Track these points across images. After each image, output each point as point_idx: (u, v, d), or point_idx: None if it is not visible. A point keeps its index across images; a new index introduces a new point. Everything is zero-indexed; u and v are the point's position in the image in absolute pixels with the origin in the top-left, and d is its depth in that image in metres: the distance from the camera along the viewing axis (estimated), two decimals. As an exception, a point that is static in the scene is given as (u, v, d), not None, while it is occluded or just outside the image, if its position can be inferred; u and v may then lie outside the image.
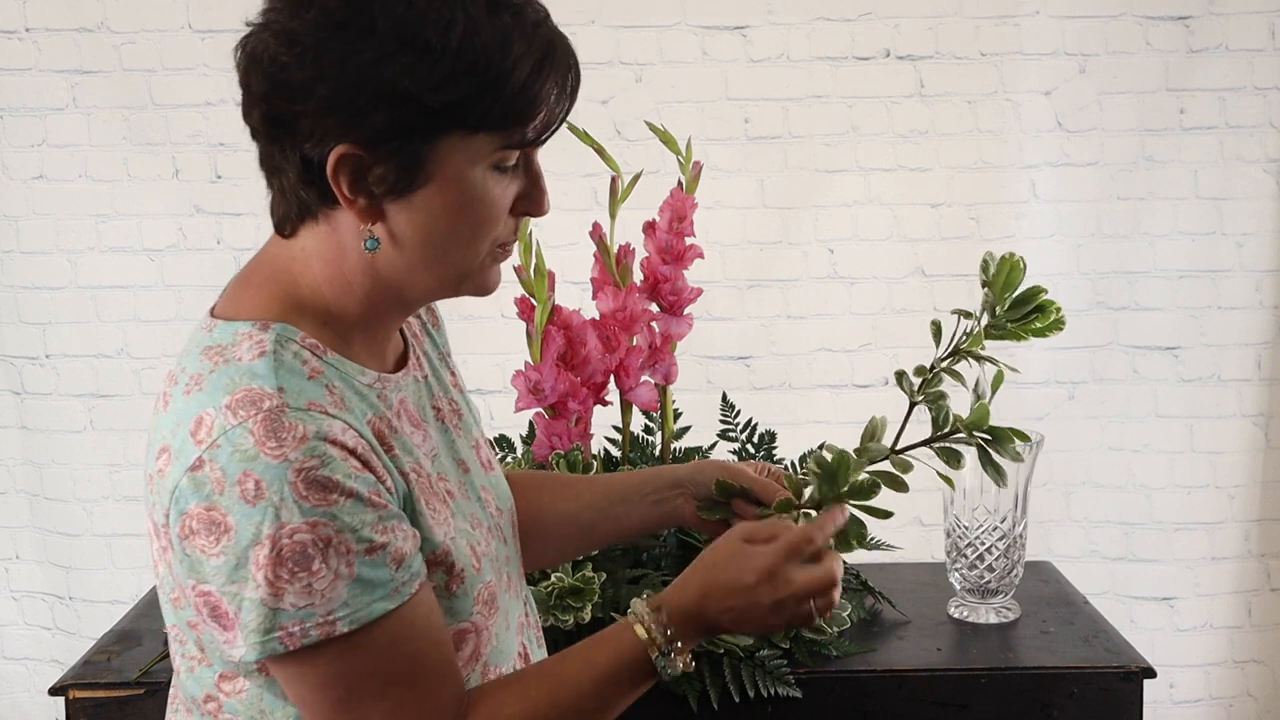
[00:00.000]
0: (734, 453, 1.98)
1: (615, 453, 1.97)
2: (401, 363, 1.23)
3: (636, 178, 1.90)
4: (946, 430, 1.28)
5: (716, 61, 2.97)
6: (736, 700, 1.66)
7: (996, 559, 1.85)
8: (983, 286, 1.30)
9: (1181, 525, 3.10)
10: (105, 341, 3.09)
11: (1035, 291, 1.31)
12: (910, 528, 3.07)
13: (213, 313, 1.15)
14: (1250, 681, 3.17)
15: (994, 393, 1.30)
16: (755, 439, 1.98)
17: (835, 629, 1.74)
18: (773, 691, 1.67)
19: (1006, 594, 1.88)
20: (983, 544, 1.85)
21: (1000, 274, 1.28)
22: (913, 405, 1.31)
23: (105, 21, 2.98)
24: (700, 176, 1.91)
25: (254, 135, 1.10)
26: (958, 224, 3.05)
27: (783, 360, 3.08)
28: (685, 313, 1.91)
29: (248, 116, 1.09)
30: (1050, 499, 3.07)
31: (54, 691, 1.72)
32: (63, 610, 3.19)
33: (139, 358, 3.09)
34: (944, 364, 1.33)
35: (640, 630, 1.14)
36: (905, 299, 3.07)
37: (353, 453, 1.04)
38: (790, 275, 3.07)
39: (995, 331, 1.31)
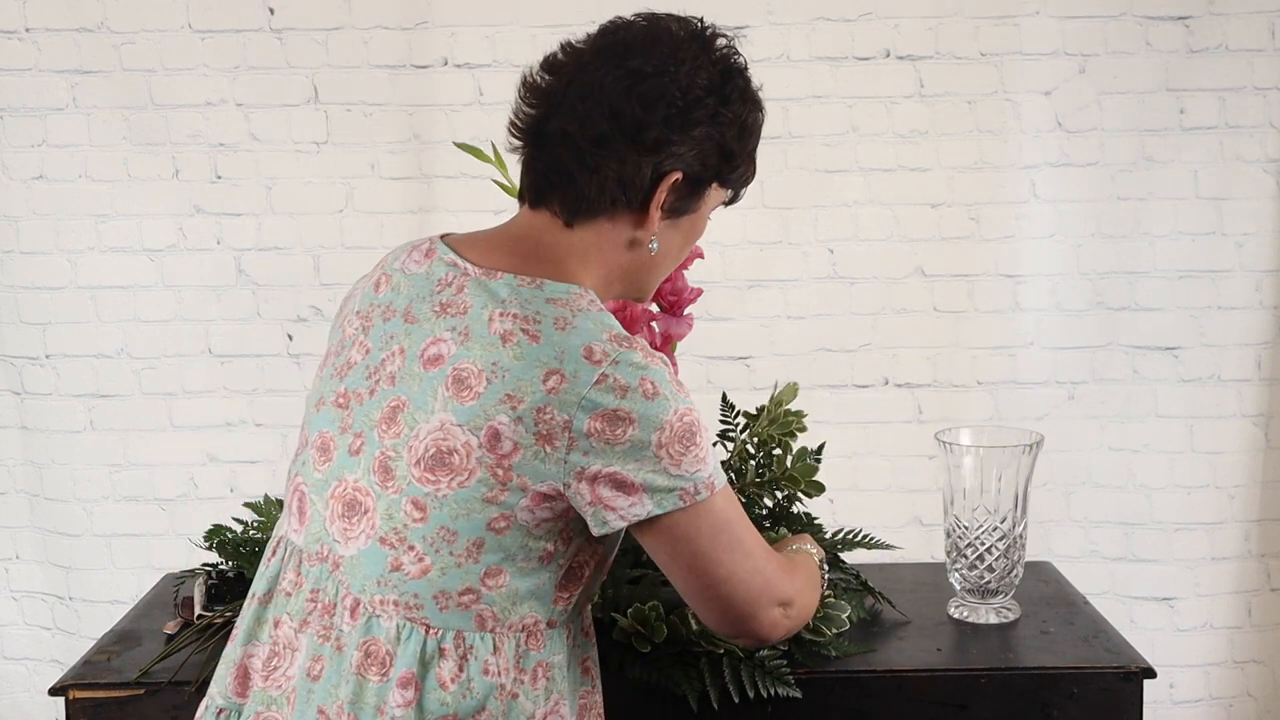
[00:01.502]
0: (734, 453, 1.98)
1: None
2: None
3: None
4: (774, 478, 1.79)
5: (716, 61, 2.97)
6: (736, 700, 1.66)
7: (996, 559, 1.85)
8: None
9: (1181, 525, 3.10)
10: (105, 341, 3.09)
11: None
12: (910, 528, 3.07)
13: (491, 268, 1.38)
14: (1250, 681, 3.17)
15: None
16: (755, 439, 1.98)
17: (835, 629, 1.74)
18: (773, 691, 1.67)
19: (1006, 594, 1.88)
20: (983, 544, 1.85)
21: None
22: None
23: (105, 21, 2.98)
24: (700, 176, 1.90)
25: (602, 142, 1.36)
26: (958, 224, 3.05)
27: (783, 360, 3.08)
28: (685, 313, 1.91)
29: (626, 132, 1.37)
30: (1050, 499, 3.07)
31: (54, 691, 1.72)
32: (63, 610, 3.19)
33: (139, 358, 3.09)
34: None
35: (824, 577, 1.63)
36: (905, 299, 3.07)
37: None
38: (790, 275, 3.07)
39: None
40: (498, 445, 1.29)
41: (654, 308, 1.91)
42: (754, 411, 1.90)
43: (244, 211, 3.04)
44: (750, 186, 1.53)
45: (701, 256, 1.91)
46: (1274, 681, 3.18)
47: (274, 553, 1.46)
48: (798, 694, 1.67)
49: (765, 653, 1.70)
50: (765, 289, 3.07)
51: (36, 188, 3.04)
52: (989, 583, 1.86)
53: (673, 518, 1.33)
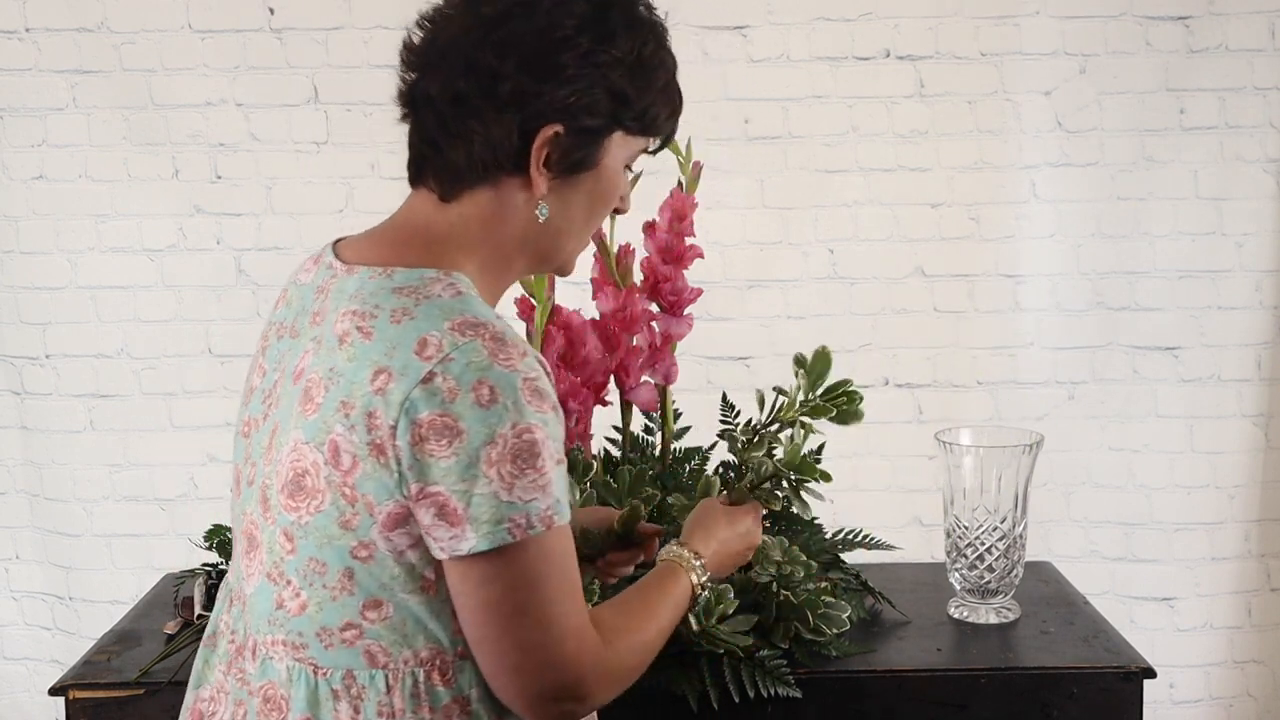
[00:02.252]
0: (734, 453, 1.98)
1: (615, 453, 1.97)
2: None
3: (636, 178, 1.89)
4: (769, 477, 1.57)
5: (716, 61, 2.97)
6: (736, 700, 1.66)
7: (996, 559, 1.85)
8: (797, 373, 1.59)
9: (1181, 525, 3.10)
10: (105, 341, 3.09)
11: (843, 383, 1.60)
12: (910, 528, 3.07)
13: (354, 263, 1.26)
14: (1250, 681, 3.17)
15: (804, 441, 1.58)
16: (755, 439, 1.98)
17: (835, 629, 1.74)
18: (773, 691, 1.67)
19: (1006, 594, 1.88)
20: (983, 544, 1.85)
21: (815, 364, 1.57)
22: (743, 462, 1.60)
23: (105, 21, 2.98)
24: (700, 176, 1.91)
25: (460, 101, 1.21)
26: (958, 224, 3.05)
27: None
28: (685, 313, 1.91)
29: (481, 86, 1.21)
30: (1050, 499, 3.07)
31: (54, 691, 1.72)
32: (63, 610, 3.19)
33: (139, 358, 3.09)
34: (767, 429, 1.60)
35: (693, 576, 1.42)
36: (905, 299, 3.07)
37: (548, 374, 1.19)
38: (790, 275, 3.07)
39: (806, 408, 1.58)
40: (339, 461, 1.16)
41: (654, 308, 1.91)
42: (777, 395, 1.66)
43: (244, 211, 3.04)
44: (678, 135, 1.37)
45: (701, 256, 1.91)
46: (1274, 681, 3.18)
47: (223, 591, 1.37)
48: (798, 694, 1.67)
49: (765, 652, 1.70)
50: (765, 289, 3.07)
51: (36, 188, 3.04)
52: (989, 583, 1.86)
53: (495, 553, 1.14)
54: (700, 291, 1.90)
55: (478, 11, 1.23)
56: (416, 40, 1.27)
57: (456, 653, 1.21)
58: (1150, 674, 1.73)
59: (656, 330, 1.90)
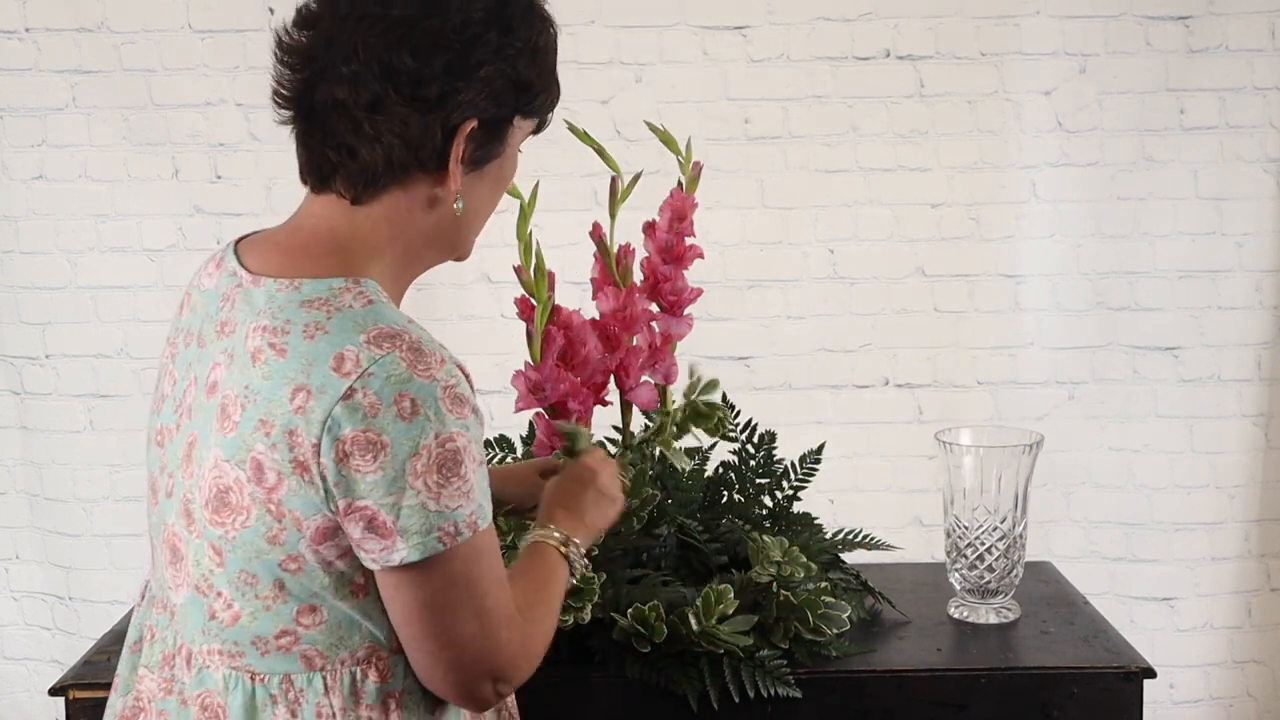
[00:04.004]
0: (734, 453, 1.98)
1: (615, 453, 1.96)
2: None
3: (636, 178, 1.90)
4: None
5: (716, 61, 2.97)
6: (736, 700, 1.66)
7: (996, 559, 1.85)
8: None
9: (1181, 525, 3.10)
10: (105, 341, 3.09)
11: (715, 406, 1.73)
12: (910, 528, 3.07)
13: (259, 274, 1.25)
14: (1250, 681, 3.17)
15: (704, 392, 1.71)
16: (755, 439, 1.98)
17: (835, 629, 1.74)
18: (773, 691, 1.67)
19: (1006, 594, 1.88)
20: (983, 544, 1.85)
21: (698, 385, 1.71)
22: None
23: (105, 21, 2.98)
24: (700, 176, 1.90)
25: (378, 106, 1.20)
26: (958, 224, 3.05)
27: (783, 360, 3.08)
28: (685, 313, 1.91)
29: (403, 90, 1.21)
30: (1050, 499, 3.07)
31: (54, 691, 1.72)
32: (63, 610, 3.19)
33: (139, 358, 3.09)
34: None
35: (566, 552, 1.41)
36: (905, 299, 3.07)
37: (467, 378, 1.20)
38: (790, 275, 3.07)
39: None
40: (263, 478, 1.17)
41: (654, 308, 1.91)
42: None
43: (244, 211, 3.04)
44: (556, 115, 1.38)
45: (701, 256, 1.91)
46: (1274, 681, 3.18)
47: (141, 598, 1.38)
48: (798, 694, 1.67)
49: (765, 652, 1.70)
50: (765, 289, 3.07)
51: (36, 188, 3.04)
52: (989, 583, 1.86)
53: (427, 562, 1.16)
54: (700, 291, 1.90)
55: (387, 13, 1.21)
56: (303, 40, 1.24)
57: (391, 648, 1.24)
58: (1150, 674, 1.73)
59: (656, 330, 1.89)
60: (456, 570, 1.18)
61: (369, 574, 1.20)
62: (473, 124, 1.24)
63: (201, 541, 1.22)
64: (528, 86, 1.27)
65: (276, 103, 1.27)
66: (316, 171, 1.28)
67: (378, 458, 1.13)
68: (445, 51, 1.21)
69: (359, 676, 1.23)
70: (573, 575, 1.42)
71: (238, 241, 1.33)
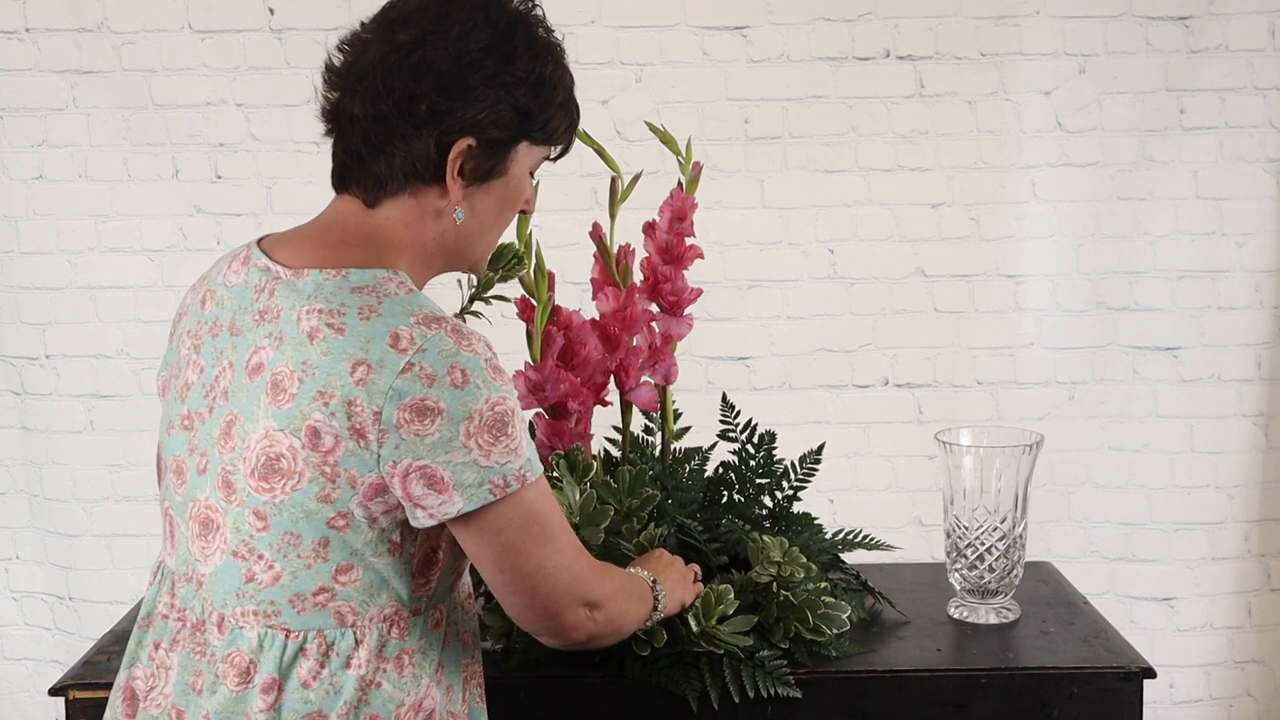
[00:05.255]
0: (734, 453, 1.98)
1: (615, 453, 1.97)
2: None
3: (636, 178, 1.90)
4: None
5: (716, 61, 2.98)
6: (736, 700, 1.66)
7: (996, 559, 1.85)
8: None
9: (1181, 525, 3.10)
10: (105, 341, 3.09)
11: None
12: (910, 528, 3.07)
13: (299, 266, 1.37)
14: (1250, 681, 3.17)
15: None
16: (755, 439, 1.98)
17: (835, 629, 1.74)
18: (773, 691, 1.67)
19: (1006, 594, 1.88)
20: (983, 544, 1.85)
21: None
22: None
23: (105, 21, 2.98)
24: (700, 176, 1.91)
25: (382, 121, 1.36)
26: (958, 224, 3.05)
27: (783, 360, 3.08)
28: (685, 313, 1.91)
29: (400, 107, 1.36)
30: (1050, 499, 3.07)
31: (54, 691, 1.72)
32: (63, 610, 3.19)
33: (139, 358, 3.09)
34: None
35: (654, 590, 1.61)
36: (905, 299, 3.07)
37: (496, 354, 1.35)
38: (790, 275, 3.07)
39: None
40: (319, 443, 1.30)
41: (654, 308, 1.91)
42: None
43: (244, 211, 3.04)
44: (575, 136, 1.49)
45: (701, 256, 1.91)
46: (1274, 681, 3.18)
47: (154, 577, 1.48)
48: (798, 694, 1.68)
49: (765, 652, 1.70)
50: (765, 289, 3.08)
51: (36, 188, 3.04)
52: (989, 583, 1.86)
53: (483, 512, 1.31)
54: (700, 291, 1.90)
55: (394, 38, 1.37)
56: (338, 62, 1.41)
57: (411, 609, 1.38)
58: (1150, 674, 1.73)
59: (656, 330, 1.90)
60: (526, 511, 1.33)
61: (405, 533, 1.35)
62: (469, 142, 1.37)
63: (243, 510, 1.34)
64: (529, 114, 1.39)
65: (320, 117, 1.43)
66: (337, 175, 1.43)
67: (435, 421, 1.28)
68: (436, 75, 1.35)
69: (384, 632, 1.37)
70: (655, 610, 1.59)
71: (259, 241, 1.44)
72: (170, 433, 1.44)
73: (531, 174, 1.47)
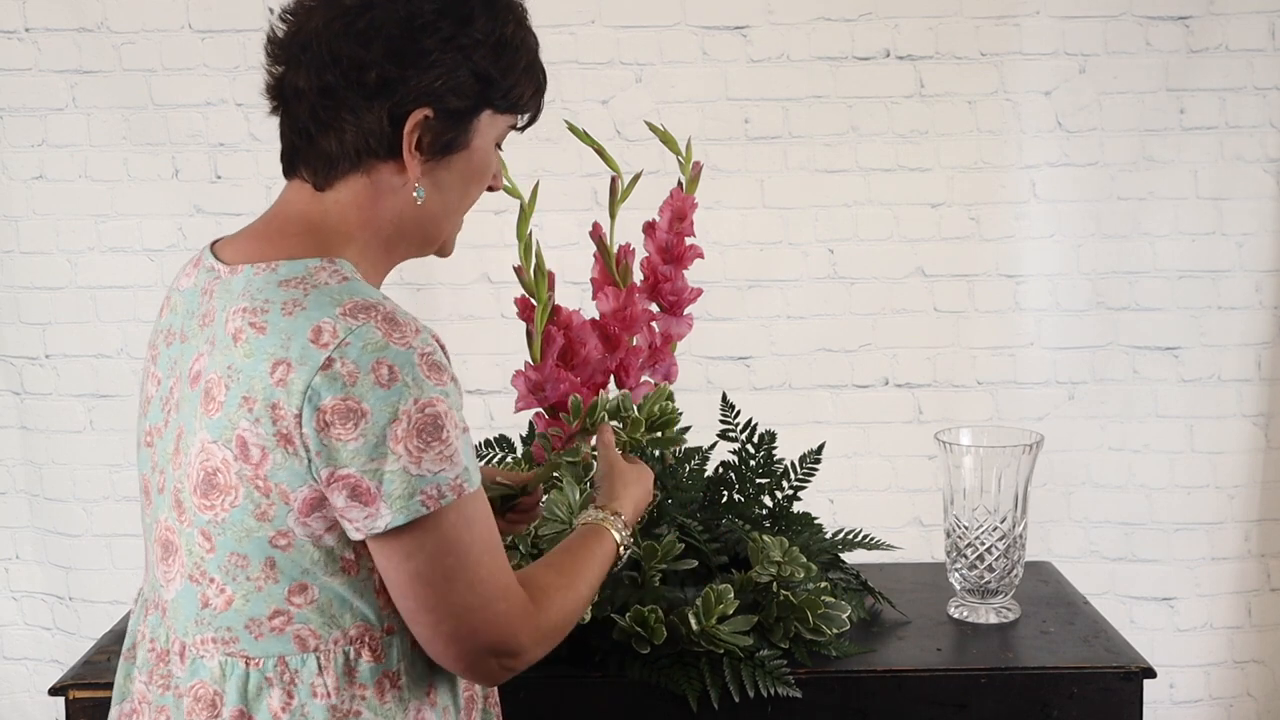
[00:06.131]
0: (734, 453, 1.98)
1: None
2: None
3: (636, 178, 1.90)
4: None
5: (716, 61, 2.98)
6: (736, 700, 1.66)
7: (996, 559, 1.85)
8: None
9: (1181, 525, 3.10)
10: (105, 341, 3.09)
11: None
12: (910, 528, 3.07)
13: (236, 262, 1.27)
14: (1250, 681, 3.17)
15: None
16: (755, 439, 1.98)
17: (835, 629, 1.74)
18: (773, 691, 1.67)
19: (1006, 594, 1.88)
20: (983, 544, 1.85)
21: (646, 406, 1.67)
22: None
23: (105, 21, 2.98)
24: (700, 176, 1.91)
25: (329, 93, 1.24)
26: (958, 224, 3.05)
27: (783, 360, 3.08)
28: (685, 313, 1.91)
29: (348, 77, 1.24)
30: (1050, 499, 3.07)
31: (54, 691, 1.72)
32: (63, 610, 3.19)
33: (139, 358, 3.08)
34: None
35: (617, 536, 1.46)
36: (905, 299, 3.07)
37: (442, 348, 1.22)
38: (790, 275, 3.07)
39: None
40: (249, 454, 1.18)
41: (654, 308, 1.91)
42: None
43: (244, 211, 3.03)
44: (547, 111, 1.37)
45: (701, 256, 1.91)
46: (1274, 681, 3.18)
47: (135, 605, 1.40)
48: (798, 694, 1.67)
49: (765, 652, 1.70)
50: (765, 289, 3.08)
51: (36, 188, 3.04)
52: (989, 583, 1.86)
53: (411, 527, 1.17)
54: (700, 291, 1.90)
55: (339, 3, 1.25)
56: (280, 33, 1.28)
57: (384, 628, 1.25)
58: (1150, 674, 1.73)
59: (656, 330, 1.90)
60: (444, 536, 1.19)
61: (358, 551, 1.22)
62: (424, 113, 1.25)
63: (192, 530, 1.23)
64: (490, 80, 1.27)
65: (264, 94, 1.31)
66: (286, 158, 1.31)
67: (358, 425, 1.15)
68: (386, 40, 1.23)
69: (352, 656, 1.24)
70: (621, 546, 1.46)
71: (214, 242, 1.35)
72: (139, 451, 1.34)
73: (498, 145, 1.34)
